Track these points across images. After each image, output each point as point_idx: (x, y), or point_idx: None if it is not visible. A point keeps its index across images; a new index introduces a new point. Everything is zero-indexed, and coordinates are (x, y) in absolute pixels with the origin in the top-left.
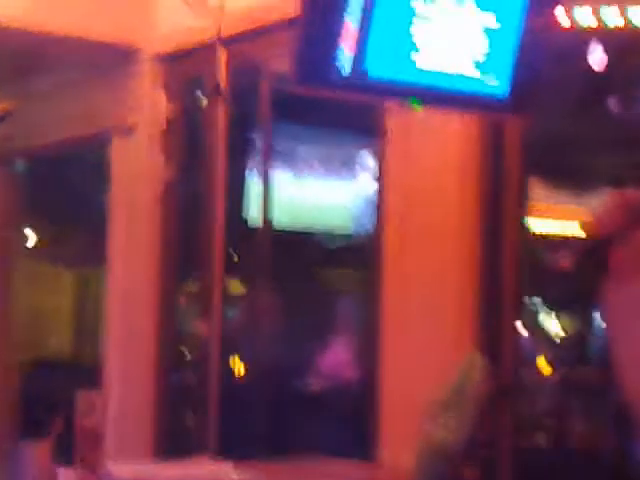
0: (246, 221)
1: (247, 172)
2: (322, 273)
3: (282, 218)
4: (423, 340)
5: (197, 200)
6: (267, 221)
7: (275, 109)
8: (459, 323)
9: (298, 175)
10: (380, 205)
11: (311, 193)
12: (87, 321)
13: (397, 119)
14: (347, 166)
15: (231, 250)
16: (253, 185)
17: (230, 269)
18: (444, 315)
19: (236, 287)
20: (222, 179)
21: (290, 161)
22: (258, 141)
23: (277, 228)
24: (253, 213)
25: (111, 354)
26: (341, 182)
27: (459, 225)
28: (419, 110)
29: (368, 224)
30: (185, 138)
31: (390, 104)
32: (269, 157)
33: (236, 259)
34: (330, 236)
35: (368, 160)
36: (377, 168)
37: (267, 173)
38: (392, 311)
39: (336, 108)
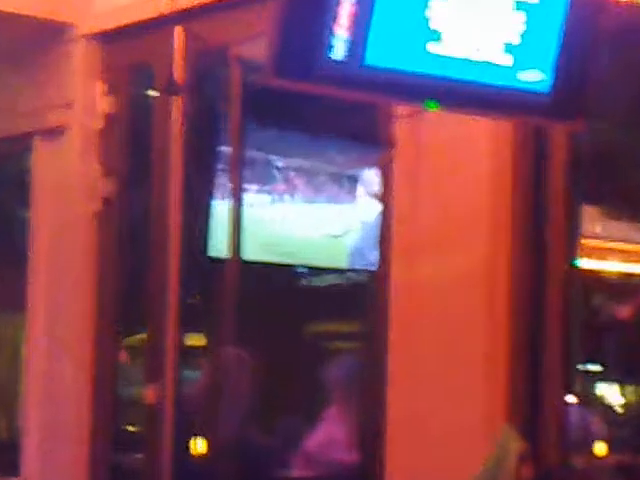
0: (209, 253)
1: (210, 189)
2: (309, 322)
3: (256, 250)
4: (441, 414)
5: (145, 224)
6: (236, 253)
7: (247, 108)
8: (489, 392)
9: (277, 195)
10: (384, 236)
11: (294, 218)
12: None
13: (407, 125)
14: (341, 185)
15: (189, 291)
16: (218, 206)
17: (188, 316)
18: (469, 381)
19: (196, 340)
20: (178, 197)
21: (267, 177)
22: (225, 149)
23: (249, 262)
24: (218, 243)
25: (30, 428)
26: (333, 205)
27: (488, 264)
28: (435, 112)
29: (368, 260)
30: (130, 142)
31: (398, 104)
32: (239, 170)
33: (196, 303)
34: (319, 274)
35: (369, 178)
36: (381, 188)
37: (237, 191)
38: (400, 375)
39: (327, 109)
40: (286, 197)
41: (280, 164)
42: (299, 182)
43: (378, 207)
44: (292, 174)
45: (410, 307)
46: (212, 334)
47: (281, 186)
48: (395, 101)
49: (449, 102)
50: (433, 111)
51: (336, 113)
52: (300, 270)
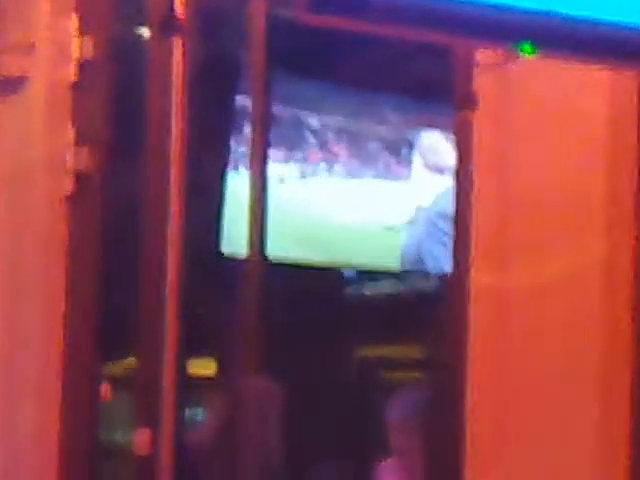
0: (221, 250)
1: (224, 163)
2: (358, 344)
3: (285, 245)
4: (546, 463)
5: (134, 210)
6: (259, 250)
7: (273, 53)
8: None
9: (311, 167)
10: (460, 226)
11: (333, 199)
12: None
13: (491, 76)
14: (399, 156)
15: (195, 301)
16: (235, 186)
17: (193, 335)
18: (582, 419)
19: (203, 368)
20: (180, 174)
21: (297, 143)
22: (243, 108)
23: (276, 262)
24: (234, 235)
25: None
26: (388, 183)
27: (606, 260)
28: (531, 59)
29: (438, 260)
30: (113, 99)
31: (479, 49)
32: (263, 137)
33: (204, 317)
34: (370, 280)
35: (437, 146)
36: (455, 161)
37: (260, 165)
38: (486, 415)
39: (380, 54)
40: (323, 170)
41: (315, 125)
42: (341, 150)
43: (451, 186)
44: (331, 139)
45: (497, 323)
46: (226, 359)
47: (316, 154)
48: (475, 44)
49: (551, 46)
50: (527, 58)
51: (392, 60)
52: (345, 273)
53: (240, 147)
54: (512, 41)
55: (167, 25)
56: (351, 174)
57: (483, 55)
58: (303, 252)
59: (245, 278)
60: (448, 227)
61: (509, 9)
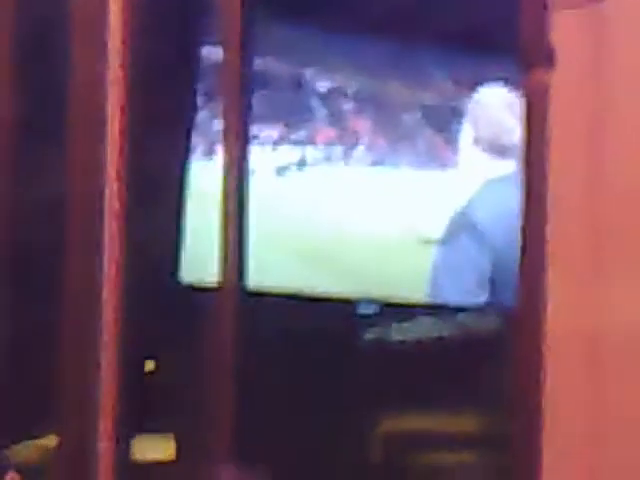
0: (179, 278)
1: (183, 150)
2: (382, 414)
3: (276, 268)
4: None
5: (53, 220)
6: (235, 278)
7: None
8: None
9: (321, 156)
10: (531, 234)
11: (350, 203)
12: None
13: (577, 20)
14: (447, 133)
15: (142, 351)
16: (199, 183)
17: (139, 403)
18: None
19: (155, 449)
20: (117, 167)
21: (302, 120)
22: (212, 66)
23: (261, 293)
24: (200, 256)
25: None
26: (430, 174)
27: None
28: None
29: (497, 288)
30: (19, 57)
31: None
32: (240, 109)
33: (154, 374)
34: (399, 317)
35: (497, 116)
36: (525, 137)
37: (236, 152)
38: None
39: None
40: (337, 155)
41: (324, 89)
42: (363, 125)
43: (516, 177)
44: (349, 109)
45: (586, 380)
46: (188, 437)
47: (327, 133)
48: None
49: None
50: None
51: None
52: (364, 308)
53: (209, 126)
54: None
55: None
56: (377, 161)
57: None
58: (302, 278)
59: (215, 316)
60: (510, 238)
61: None
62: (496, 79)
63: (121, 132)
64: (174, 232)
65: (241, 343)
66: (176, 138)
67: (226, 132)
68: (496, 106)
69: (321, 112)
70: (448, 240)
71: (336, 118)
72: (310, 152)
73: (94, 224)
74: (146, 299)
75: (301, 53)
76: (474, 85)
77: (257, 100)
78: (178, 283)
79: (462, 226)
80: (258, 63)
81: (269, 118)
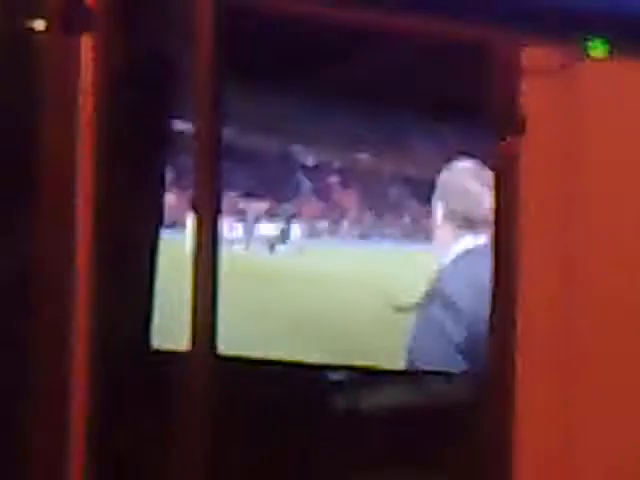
0: (153, 343)
1: (155, 217)
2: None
3: (250, 336)
4: None
5: (16, 284)
6: (207, 342)
7: (232, 54)
8: None
9: (304, 225)
10: (502, 304)
11: (332, 271)
12: None
13: (549, 86)
14: (427, 209)
15: (109, 424)
16: (172, 251)
17: (109, 472)
18: None
19: None
20: (87, 234)
21: (282, 188)
22: (187, 131)
23: (232, 359)
24: (169, 322)
25: None
26: (413, 245)
27: None
28: (602, 60)
29: (471, 354)
30: None
31: (530, 49)
32: (211, 178)
33: (124, 440)
34: (376, 385)
35: (467, 187)
36: (496, 208)
37: (208, 220)
38: None
39: (390, 62)
40: (322, 229)
41: (311, 163)
42: (348, 198)
43: (487, 248)
44: (334, 182)
45: (560, 448)
46: None
47: (312, 206)
48: (523, 41)
49: (628, 44)
50: (598, 59)
51: (408, 70)
52: (335, 375)
53: (181, 194)
54: (577, 37)
55: (72, 17)
56: (363, 235)
57: (533, 58)
58: (275, 345)
59: (185, 381)
60: (481, 307)
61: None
62: (466, 151)
63: (91, 199)
64: (145, 298)
65: (211, 408)
66: (148, 206)
67: (196, 201)
68: (466, 178)
69: (307, 186)
70: (421, 310)
71: (322, 192)
72: (296, 226)
73: (64, 289)
74: (116, 364)
75: (287, 128)
76: (448, 157)
77: (243, 174)
78: (149, 349)
79: (435, 296)
80: (241, 137)
81: (255, 192)
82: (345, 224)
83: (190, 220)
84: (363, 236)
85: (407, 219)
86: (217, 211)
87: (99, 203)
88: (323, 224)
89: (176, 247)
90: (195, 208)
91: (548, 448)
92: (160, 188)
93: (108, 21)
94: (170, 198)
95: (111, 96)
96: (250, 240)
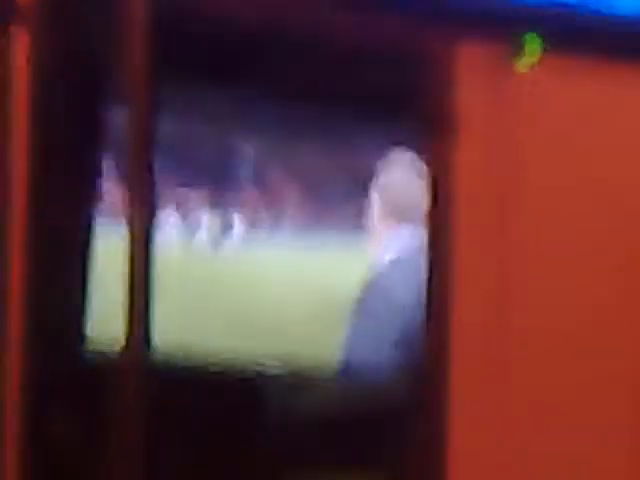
0: (89, 344)
1: (88, 211)
2: (292, 473)
3: (181, 332)
4: None
5: None
6: (140, 342)
7: (165, 50)
8: None
9: (243, 219)
10: (436, 303)
11: (271, 270)
12: None
13: (482, 88)
14: (349, 204)
15: (43, 419)
16: (106, 246)
17: (41, 474)
18: None
19: None
20: (21, 229)
21: (227, 184)
22: (117, 126)
23: (167, 358)
24: (103, 322)
25: None
26: (354, 238)
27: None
28: (535, 61)
29: (402, 355)
30: None
31: (465, 47)
32: (144, 171)
33: (57, 443)
34: (309, 384)
35: (402, 183)
36: (430, 205)
37: (140, 214)
38: None
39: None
40: (262, 218)
41: (251, 154)
42: (289, 190)
43: (421, 244)
44: (275, 174)
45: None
46: None
47: (253, 196)
48: (458, 39)
49: (562, 39)
50: (532, 59)
51: (341, 66)
52: (272, 371)
53: (116, 191)
54: (512, 36)
55: (4, 12)
56: (304, 226)
57: (468, 57)
58: (211, 341)
59: (119, 381)
60: (418, 302)
61: None
62: (404, 145)
63: (24, 196)
64: (79, 298)
65: (145, 406)
66: (82, 202)
67: (131, 197)
68: (403, 173)
69: (247, 177)
70: (358, 305)
71: (262, 184)
72: (236, 216)
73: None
74: (50, 364)
75: (227, 120)
76: (385, 152)
77: (184, 165)
78: (83, 349)
79: (371, 291)
80: (182, 129)
81: (194, 183)
82: (285, 217)
83: (125, 216)
84: (303, 229)
85: (347, 212)
86: (152, 206)
87: (33, 198)
88: (263, 216)
89: (114, 241)
90: (129, 203)
91: (482, 445)
92: (95, 183)
93: (40, 16)
94: (108, 192)
95: (43, 91)
96: (191, 232)
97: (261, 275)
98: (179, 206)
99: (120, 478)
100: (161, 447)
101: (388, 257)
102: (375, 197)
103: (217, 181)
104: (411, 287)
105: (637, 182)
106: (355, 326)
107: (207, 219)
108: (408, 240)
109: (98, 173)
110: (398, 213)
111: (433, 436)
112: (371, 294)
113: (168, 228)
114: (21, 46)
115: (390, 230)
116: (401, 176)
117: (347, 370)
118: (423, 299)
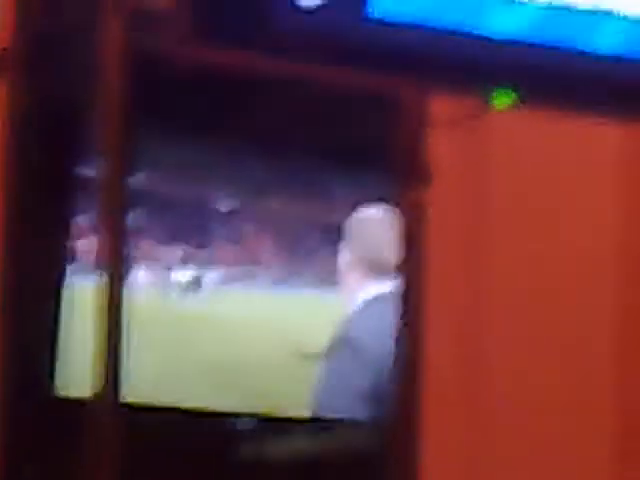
0: (58, 390)
1: (61, 262)
2: None
3: (152, 383)
4: None
5: None
6: (112, 390)
7: (146, 97)
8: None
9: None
10: (408, 355)
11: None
12: None
13: (453, 139)
14: (322, 256)
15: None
16: (77, 297)
17: None
18: None
19: None
20: None
21: (203, 239)
22: (92, 176)
23: (139, 406)
24: (74, 369)
25: None
26: (323, 294)
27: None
28: (508, 112)
29: (379, 402)
30: None
31: (436, 99)
32: (115, 222)
33: None
34: (281, 432)
35: (374, 235)
36: (402, 255)
37: (112, 266)
38: None
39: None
40: (236, 274)
41: (225, 209)
42: (263, 244)
43: (393, 297)
44: (249, 228)
45: None
46: None
47: (228, 252)
48: (429, 92)
49: (539, 93)
50: (504, 110)
51: (317, 117)
52: (243, 423)
53: (89, 240)
54: (483, 87)
55: None
56: (278, 281)
57: (439, 108)
58: (181, 392)
59: (90, 429)
60: (388, 354)
61: (478, 39)
62: (374, 197)
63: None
64: (49, 344)
65: (117, 456)
66: (54, 250)
67: (102, 247)
68: (373, 224)
69: (221, 233)
70: (327, 356)
71: (236, 238)
72: (209, 272)
73: None
74: (20, 411)
75: (201, 175)
76: (356, 203)
77: (157, 221)
78: (53, 396)
79: (340, 343)
80: (155, 184)
81: (169, 239)
82: (259, 270)
83: (97, 266)
84: (277, 282)
85: (321, 265)
86: (123, 257)
87: (6, 248)
88: (237, 270)
89: (83, 294)
90: (100, 254)
91: None
92: (67, 234)
93: (16, 62)
94: (80, 244)
95: (19, 138)
96: (164, 286)
97: (232, 327)
98: (153, 261)
99: None
100: None
101: (358, 308)
102: (345, 249)
103: (191, 237)
104: (381, 338)
105: (606, 228)
106: (323, 377)
107: (182, 274)
108: (378, 291)
109: (71, 222)
110: (368, 265)
111: None
112: (340, 346)
113: (141, 279)
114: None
115: (361, 281)
116: (372, 228)
117: (317, 419)
118: (393, 350)
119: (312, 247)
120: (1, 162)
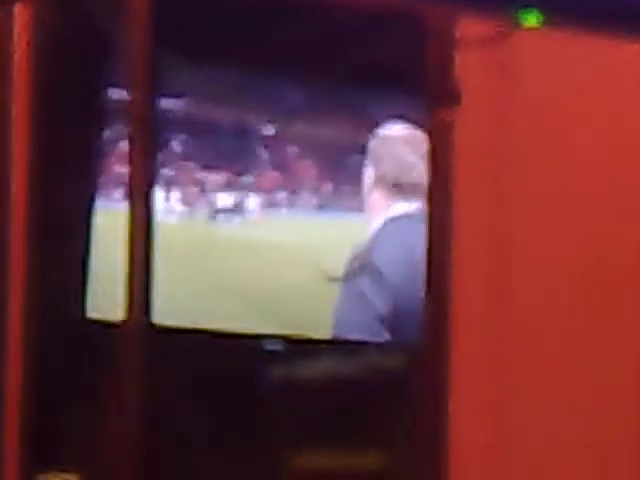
0: (89, 313)
1: (90, 189)
2: (285, 448)
3: (181, 305)
4: None
5: None
6: (141, 312)
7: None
8: None
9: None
10: (434, 275)
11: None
12: None
13: (481, 60)
14: (346, 176)
15: (45, 388)
16: (108, 223)
17: (43, 443)
18: None
19: None
20: (20, 208)
21: (245, 166)
22: (120, 104)
23: (167, 329)
24: (105, 293)
25: None
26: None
27: None
28: (538, 32)
29: (404, 326)
30: None
31: (464, 20)
32: (146, 150)
33: (59, 411)
34: (309, 354)
35: (399, 155)
36: (429, 177)
37: (142, 193)
38: None
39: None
40: (282, 201)
41: (268, 133)
42: (306, 169)
43: (417, 215)
44: (292, 152)
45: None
46: (94, 476)
47: (271, 176)
48: (457, 13)
49: (564, 16)
50: (532, 30)
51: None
52: (271, 344)
53: (117, 167)
54: (511, 8)
55: None
56: (322, 206)
57: (468, 30)
58: (210, 314)
59: (121, 352)
60: (409, 278)
61: None
62: (399, 116)
63: (26, 171)
64: (80, 269)
65: (147, 379)
66: (83, 177)
67: (131, 173)
68: (398, 144)
69: (264, 157)
70: (348, 279)
71: (280, 163)
72: (254, 198)
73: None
74: (52, 334)
75: (243, 99)
76: (377, 122)
77: (200, 146)
78: (84, 319)
79: (362, 265)
80: (198, 109)
81: (213, 164)
82: (303, 195)
83: (126, 190)
84: (321, 207)
85: (357, 189)
86: (152, 182)
87: (34, 172)
88: (281, 195)
89: (114, 217)
90: (130, 178)
91: (482, 420)
92: (96, 158)
93: None
94: (108, 168)
95: (45, 67)
96: (207, 211)
97: (270, 248)
98: (197, 185)
99: (120, 445)
100: (161, 414)
101: (380, 227)
102: (369, 169)
103: (234, 162)
104: (403, 262)
105: (633, 156)
106: (344, 300)
107: (225, 199)
108: (403, 210)
109: (100, 146)
110: (393, 186)
111: (433, 407)
112: (361, 269)
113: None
114: (23, 24)
115: (384, 201)
116: (397, 148)
117: (340, 341)
118: (417, 274)
119: (353, 170)
120: (29, 87)
